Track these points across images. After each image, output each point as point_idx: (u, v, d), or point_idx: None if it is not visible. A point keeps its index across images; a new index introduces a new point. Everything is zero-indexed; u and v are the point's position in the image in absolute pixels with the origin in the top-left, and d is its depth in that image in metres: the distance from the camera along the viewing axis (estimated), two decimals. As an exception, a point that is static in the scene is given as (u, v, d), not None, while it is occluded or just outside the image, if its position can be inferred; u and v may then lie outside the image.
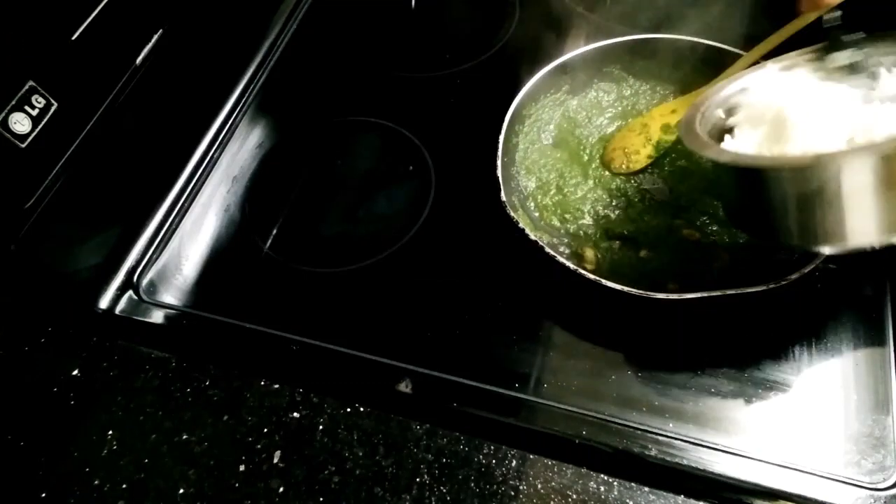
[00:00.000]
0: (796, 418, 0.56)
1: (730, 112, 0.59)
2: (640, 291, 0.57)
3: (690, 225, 0.65)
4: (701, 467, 0.54)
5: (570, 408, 0.57)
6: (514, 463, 0.55)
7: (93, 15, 0.64)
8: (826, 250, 0.52)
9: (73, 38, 0.63)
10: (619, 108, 0.75)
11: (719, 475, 0.53)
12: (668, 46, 0.72)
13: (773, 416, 0.56)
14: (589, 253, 0.65)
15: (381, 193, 0.75)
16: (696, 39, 0.71)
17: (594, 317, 0.63)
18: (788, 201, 0.48)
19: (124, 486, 0.56)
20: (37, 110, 0.60)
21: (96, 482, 0.56)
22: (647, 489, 0.53)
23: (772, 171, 0.49)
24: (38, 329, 0.65)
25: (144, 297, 0.67)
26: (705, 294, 0.55)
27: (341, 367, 0.62)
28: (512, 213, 0.61)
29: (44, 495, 0.56)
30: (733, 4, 0.77)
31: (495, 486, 0.54)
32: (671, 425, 0.56)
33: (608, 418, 0.56)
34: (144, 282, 0.69)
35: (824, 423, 0.56)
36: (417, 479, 0.55)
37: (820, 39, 0.57)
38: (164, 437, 0.58)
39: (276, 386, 0.60)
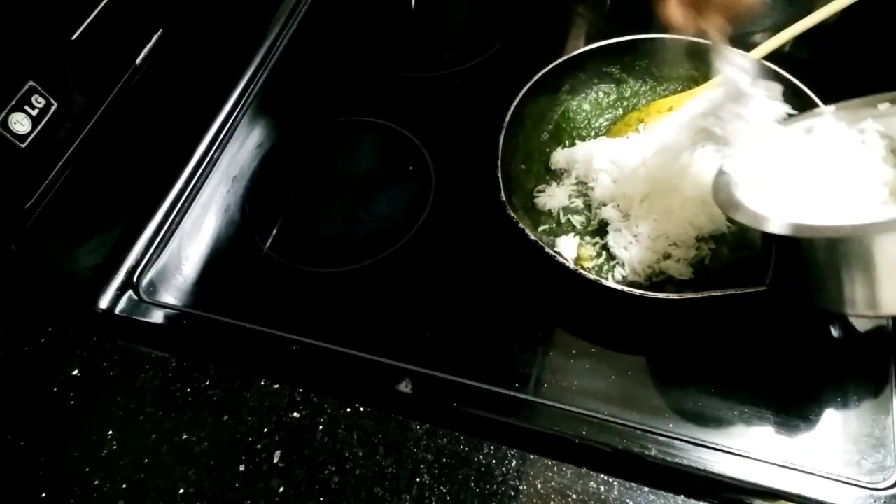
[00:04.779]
0: (796, 418, 0.56)
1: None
2: (640, 291, 0.57)
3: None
4: (701, 467, 0.54)
5: (570, 408, 0.57)
6: (514, 463, 0.55)
7: (93, 15, 0.64)
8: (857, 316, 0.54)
9: (73, 38, 0.63)
10: (619, 109, 0.75)
11: (719, 475, 0.53)
12: (668, 46, 0.72)
13: (772, 415, 0.56)
14: (586, 252, 0.65)
15: (381, 193, 0.75)
16: (695, 39, 0.71)
17: (594, 317, 0.63)
18: (826, 267, 0.48)
19: (124, 486, 0.56)
20: (37, 110, 0.60)
21: (96, 482, 0.56)
22: (647, 489, 0.53)
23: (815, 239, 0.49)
24: (38, 329, 0.65)
25: (144, 297, 0.67)
26: (705, 294, 0.55)
27: (341, 367, 0.62)
28: (512, 213, 0.61)
29: (44, 495, 0.56)
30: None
31: (495, 486, 0.54)
32: (671, 425, 0.56)
33: (608, 418, 0.56)
34: (144, 282, 0.69)
35: (824, 423, 0.56)
36: (417, 479, 0.55)
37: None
38: (164, 437, 0.58)
39: (276, 386, 0.60)
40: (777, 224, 0.48)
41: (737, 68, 0.57)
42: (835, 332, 0.61)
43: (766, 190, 0.54)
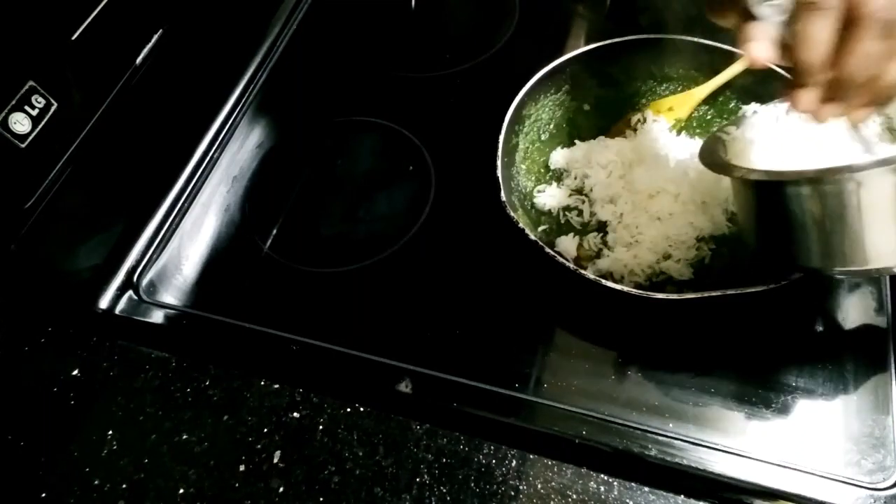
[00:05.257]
0: (796, 418, 0.56)
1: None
2: (640, 292, 0.57)
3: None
4: (701, 467, 0.54)
5: (570, 408, 0.57)
6: (514, 463, 0.55)
7: (93, 15, 0.64)
8: (845, 273, 0.51)
9: (73, 38, 0.63)
10: (620, 109, 0.75)
11: (719, 475, 0.53)
12: (667, 46, 0.72)
13: (772, 415, 0.56)
14: (586, 252, 0.65)
15: (381, 193, 0.75)
16: (696, 39, 0.71)
17: (594, 317, 0.63)
18: (810, 218, 0.47)
19: (124, 486, 0.56)
20: (37, 110, 0.60)
21: (96, 482, 0.56)
22: (647, 489, 0.53)
23: (793, 186, 0.48)
24: (38, 329, 0.65)
25: (144, 297, 0.67)
26: (705, 294, 0.55)
27: (341, 367, 0.62)
28: (512, 213, 0.61)
29: (44, 495, 0.56)
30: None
31: (495, 486, 0.54)
32: (671, 425, 0.56)
33: (608, 418, 0.56)
34: (144, 282, 0.69)
35: (824, 423, 0.56)
36: (417, 479, 0.55)
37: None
38: (164, 437, 0.58)
39: (276, 386, 0.60)
40: (762, 173, 0.48)
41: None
42: (835, 333, 0.61)
43: (757, 162, 0.54)
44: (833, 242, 0.47)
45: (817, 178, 0.47)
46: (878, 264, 0.47)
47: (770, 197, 0.51)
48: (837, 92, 0.44)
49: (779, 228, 0.51)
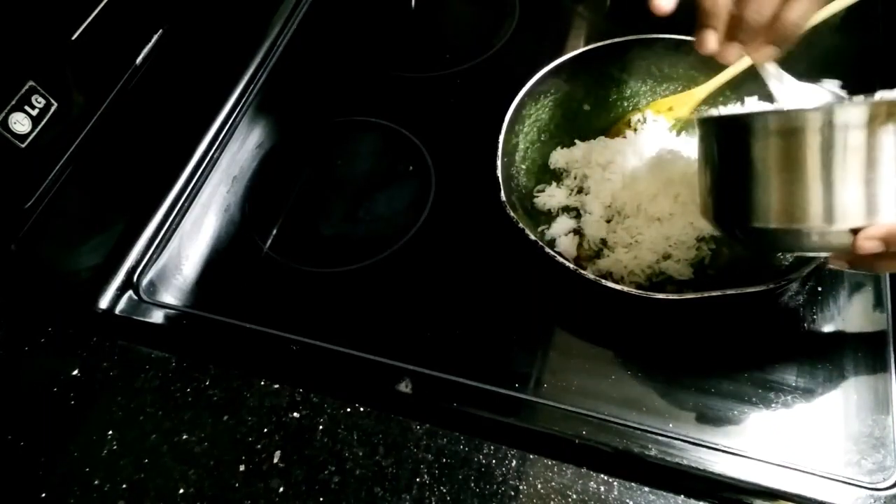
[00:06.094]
0: (796, 418, 0.56)
1: None
2: (640, 291, 0.57)
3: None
4: (701, 467, 0.54)
5: (570, 408, 0.57)
6: (514, 463, 0.55)
7: (93, 15, 0.64)
8: (807, 246, 0.48)
9: (73, 38, 0.63)
10: (619, 109, 0.75)
11: (719, 475, 0.53)
12: (668, 46, 0.72)
13: (772, 415, 0.56)
14: (586, 252, 0.65)
15: (381, 193, 0.75)
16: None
17: (594, 317, 0.63)
18: (773, 162, 0.46)
19: (124, 486, 0.56)
20: (37, 110, 0.60)
21: (96, 482, 0.56)
22: (647, 489, 0.53)
23: (761, 122, 0.47)
24: (38, 329, 0.65)
25: (144, 297, 0.67)
26: (705, 294, 0.55)
27: (341, 367, 0.62)
28: (512, 213, 0.61)
29: (44, 495, 0.56)
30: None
31: (495, 486, 0.54)
32: (671, 425, 0.56)
33: (608, 418, 0.56)
34: (144, 282, 0.69)
35: (824, 423, 0.56)
36: (417, 479, 0.55)
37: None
38: (164, 437, 0.58)
39: (276, 386, 0.60)
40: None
41: (788, 90, 0.53)
42: (835, 332, 0.61)
43: None
44: (793, 193, 0.45)
45: (784, 113, 0.46)
46: (841, 223, 0.45)
47: (733, 142, 0.50)
48: (739, 32, 0.48)
49: (738, 180, 0.49)
